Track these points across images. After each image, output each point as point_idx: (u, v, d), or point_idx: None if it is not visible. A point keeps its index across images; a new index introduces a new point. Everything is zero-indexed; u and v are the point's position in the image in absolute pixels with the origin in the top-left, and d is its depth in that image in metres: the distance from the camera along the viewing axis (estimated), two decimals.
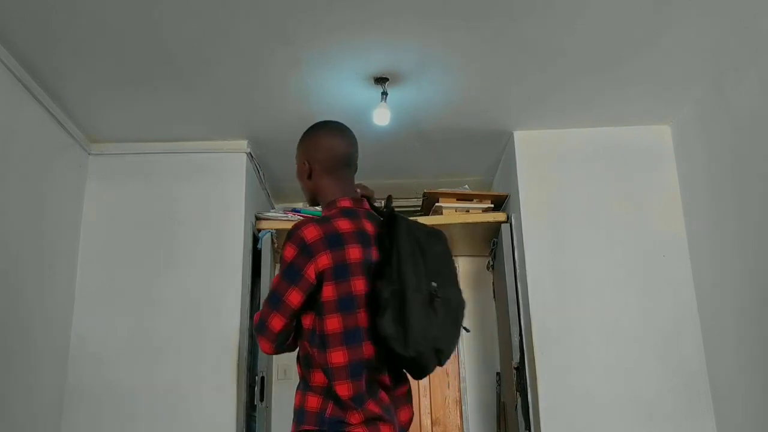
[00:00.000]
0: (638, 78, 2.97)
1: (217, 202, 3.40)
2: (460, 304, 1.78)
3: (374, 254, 1.77)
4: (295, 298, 1.70)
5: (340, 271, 1.70)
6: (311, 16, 2.48)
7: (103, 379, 3.13)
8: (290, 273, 1.71)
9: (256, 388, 3.30)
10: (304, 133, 1.94)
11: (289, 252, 1.72)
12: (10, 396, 2.66)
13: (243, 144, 3.48)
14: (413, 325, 1.63)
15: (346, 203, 1.84)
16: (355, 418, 1.67)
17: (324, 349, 1.69)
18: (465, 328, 1.82)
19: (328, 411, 1.69)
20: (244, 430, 3.17)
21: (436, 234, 1.84)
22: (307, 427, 1.71)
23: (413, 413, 1.84)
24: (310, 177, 1.90)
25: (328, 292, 1.70)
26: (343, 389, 1.67)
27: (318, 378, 1.72)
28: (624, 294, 3.20)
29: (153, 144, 3.45)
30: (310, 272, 1.69)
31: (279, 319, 1.71)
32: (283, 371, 4.01)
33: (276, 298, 1.72)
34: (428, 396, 4.27)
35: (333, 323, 1.69)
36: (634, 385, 3.07)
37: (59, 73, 2.81)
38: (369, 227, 1.80)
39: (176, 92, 3.01)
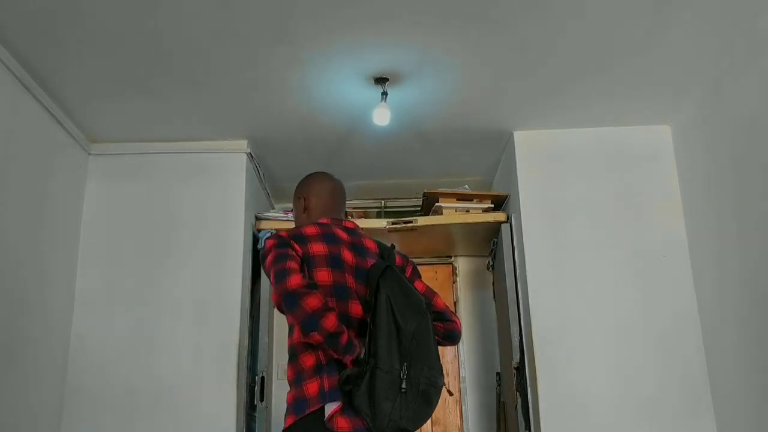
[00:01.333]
0: (638, 78, 2.97)
1: (217, 202, 3.39)
2: (432, 385, 1.84)
3: (345, 254, 1.97)
4: (294, 263, 1.86)
5: (307, 262, 1.92)
6: (311, 16, 2.49)
7: (103, 379, 3.13)
8: (280, 255, 1.87)
9: (256, 388, 3.30)
10: (299, 182, 2.25)
11: (269, 242, 1.94)
12: (10, 395, 2.66)
13: (243, 144, 3.48)
14: (379, 405, 1.76)
15: (323, 221, 2.07)
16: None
17: None
18: (449, 392, 1.94)
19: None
20: (244, 430, 3.17)
21: (416, 307, 1.88)
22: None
23: None
24: (305, 210, 2.18)
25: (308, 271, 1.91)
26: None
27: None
28: (624, 294, 3.20)
29: (153, 144, 3.44)
30: (294, 250, 1.91)
31: (295, 275, 1.82)
32: (283, 371, 4.01)
33: (280, 270, 1.83)
34: None
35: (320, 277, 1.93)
36: (634, 385, 3.07)
37: (59, 73, 2.81)
38: (340, 233, 2.03)
39: (176, 92, 3.01)
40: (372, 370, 1.77)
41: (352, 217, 3.71)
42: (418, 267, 2.19)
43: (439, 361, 1.90)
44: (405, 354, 1.80)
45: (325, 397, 1.81)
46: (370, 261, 2.01)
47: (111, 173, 3.43)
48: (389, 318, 1.82)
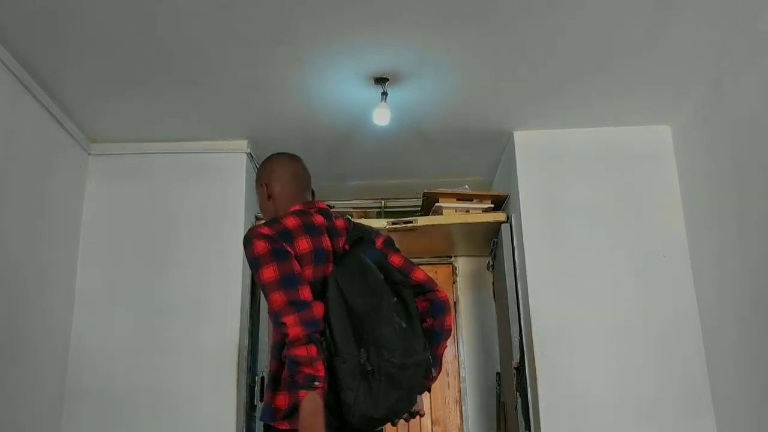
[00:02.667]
0: (638, 78, 2.97)
1: (217, 202, 3.39)
2: (402, 368, 1.69)
3: (326, 242, 1.87)
4: (297, 266, 1.76)
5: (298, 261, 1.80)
6: (311, 16, 2.49)
7: (103, 379, 3.13)
8: (277, 254, 1.75)
9: (256, 388, 3.30)
10: (259, 167, 2.12)
11: (259, 245, 1.78)
12: (10, 396, 2.66)
13: (243, 144, 3.48)
14: (341, 396, 1.66)
15: (296, 208, 1.95)
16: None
17: None
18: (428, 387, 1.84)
19: None
20: (244, 430, 3.17)
21: (371, 286, 1.77)
22: None
23: None
24: (269, 197, 2.03)
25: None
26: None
27: None
28: (624, 294, 3.19)
29: (153, 144, 3.44)
30: (290, 249, 1.79)
31: (304, 289, 1.72)
32: None
33: (286, 278, 1.72)
34: (428, 396, 4.27)
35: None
36: (634, 385, 3.07)
37: (59, 73, 2.81)
38: (318, 219, 1.91)
39: (176, 92, 3.01)
40: (329, 362, 1.65)
41: (351, 216, 3.70)
42: (419, 267, 2.04)
43: (415, 340, 1.76)
44: (359, 338, 1.69)
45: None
46: (343, 241, 1.93)
47: (111, 173, 3.43)
48: (339, 301, 1.72)
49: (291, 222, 1.85)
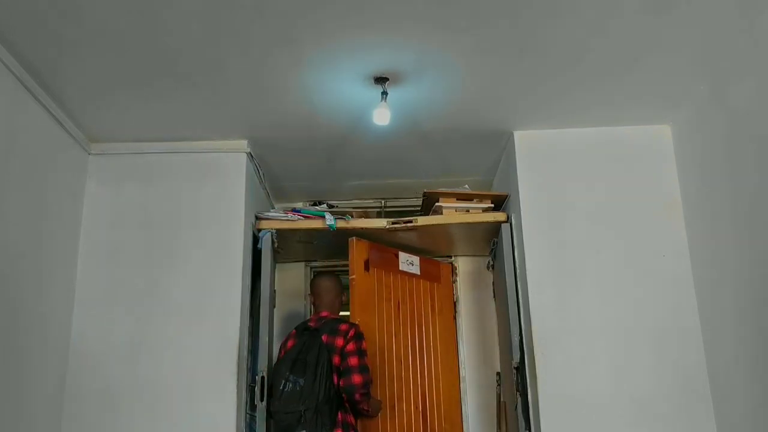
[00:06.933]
0: (638, 78, 2.97)
1: (217, 202, 3.39)
2: (277, 413, 3.21)
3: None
4: None
5: None
6: (312, 17, 2.49)
7: (102, 379, 3.12)
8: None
9: (256, 388, 3.30)
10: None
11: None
12: (10, 395, 2.66)
13: (243, 144, 3.48)
14: None
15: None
16: None
17: None
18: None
19: None
20: (244, 430, 3.17)
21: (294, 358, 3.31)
22: None
23: None
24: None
25: None
26: None
27: None
28: (624, 294, 3.20)
29: (153, 144, 3.44)
30: None
31: None
32: None
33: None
34: None
35: None
36: (634, 385, 3.07)
37: (59, 73, 2.81)
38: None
39: (176, 92, 3.01)
40: None
41: (351, 216, 3.72)
42: (359, 373, 3.23)
43: (295, 399, 3.15)
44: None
45: None
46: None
47: (111, 173, 3.43)
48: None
49: None
